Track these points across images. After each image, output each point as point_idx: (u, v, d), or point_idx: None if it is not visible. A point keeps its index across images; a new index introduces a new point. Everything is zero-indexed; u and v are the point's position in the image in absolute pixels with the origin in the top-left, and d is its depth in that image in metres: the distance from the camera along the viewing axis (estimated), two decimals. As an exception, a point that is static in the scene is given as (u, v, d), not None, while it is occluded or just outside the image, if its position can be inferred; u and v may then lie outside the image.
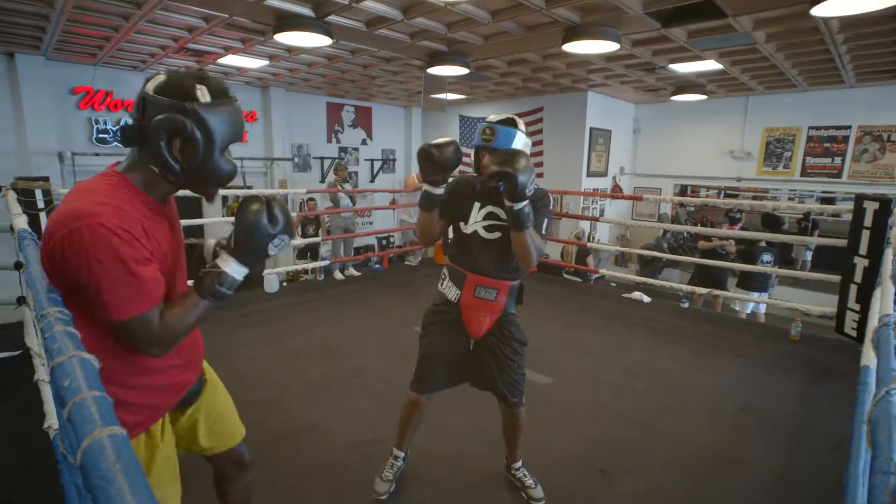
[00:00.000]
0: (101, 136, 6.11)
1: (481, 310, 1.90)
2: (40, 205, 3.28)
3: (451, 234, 1.99)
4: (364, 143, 9.17)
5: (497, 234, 1.83)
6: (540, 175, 7.92)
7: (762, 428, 2.72)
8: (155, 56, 5.52)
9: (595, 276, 6.18)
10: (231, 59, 5.54)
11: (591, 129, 7.45)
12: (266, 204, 1.08)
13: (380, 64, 5.81)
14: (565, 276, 6.27)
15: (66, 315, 0.85)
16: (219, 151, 1.05)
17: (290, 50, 5.21)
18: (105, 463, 0.43)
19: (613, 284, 6.35)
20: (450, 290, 1.95)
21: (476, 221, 1.84)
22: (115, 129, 6.18)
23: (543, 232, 1.81)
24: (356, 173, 9.01)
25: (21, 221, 2.01)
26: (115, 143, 6.18)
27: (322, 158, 8.42)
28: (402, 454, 2.14)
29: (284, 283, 5.70)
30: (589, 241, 7.01)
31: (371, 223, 9.11)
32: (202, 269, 1.10)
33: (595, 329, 4.25)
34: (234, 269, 1.07)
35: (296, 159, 8.08)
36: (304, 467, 2.28)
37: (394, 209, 8.00)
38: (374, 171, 9.32)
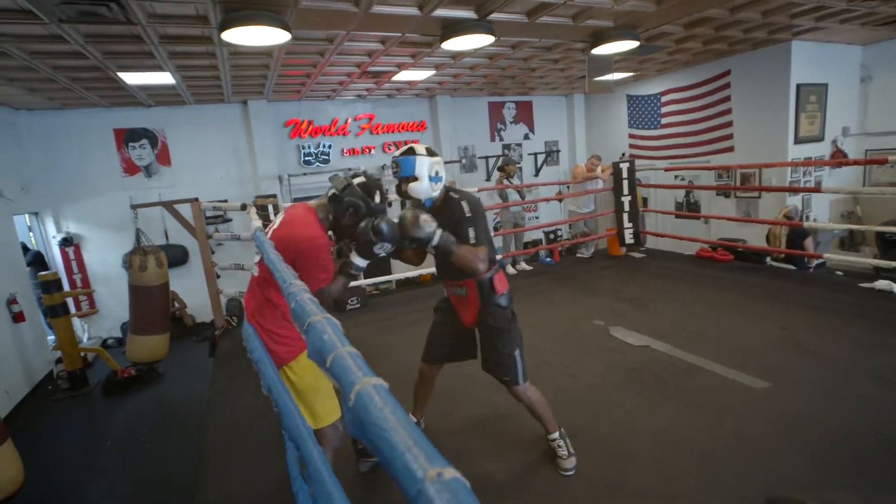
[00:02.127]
0: (306, 159, 7.28)
1: (461, 303, 2.26)
2: (271, 217, 4.03)
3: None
4: (526, 137, 9.15)
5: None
6: (730, 149, 6.86)
7: None
8: (343, 83, 6.34)
9: (816, 261, 5.09)
10: (403, 75, 6.05)
11: (799, 86, 6.16)
12: (373, 221, 1.80)
13: (540, 54, 5.71)
14: (771, 262, 5.31)
15: (306, 288, 1.00)
16: (367, 224, 1.82)
17: (455, 56, 5.46)
18: (376, 409, 0.46)
19: (839, 273, 5.14)
20: (443, 290, 2.38)
21: (430, 245, 1.99)
22: (315, 151, 7.30)
23: (473, 241, 2.05)
24: (520, 169, 9.04)
25: (258, 223, 2.51)
26: (317, 164, 7.30)
27: (486, 157, 8.66)
28: (413, 420, 2.38)
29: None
30: (803, 221, 5.80)
31: (537, 217, 9.04)
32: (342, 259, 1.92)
33: (823, 326, 3.48)
34: (357, 261, 1.87)
35: (462, 161, 8.46)
36: (496, 453, 2.35)
37: (560, 200, 7.79)
38: (538, 165, 9.23)
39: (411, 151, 2.06)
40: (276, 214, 4.07)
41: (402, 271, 6.54)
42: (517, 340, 2.19)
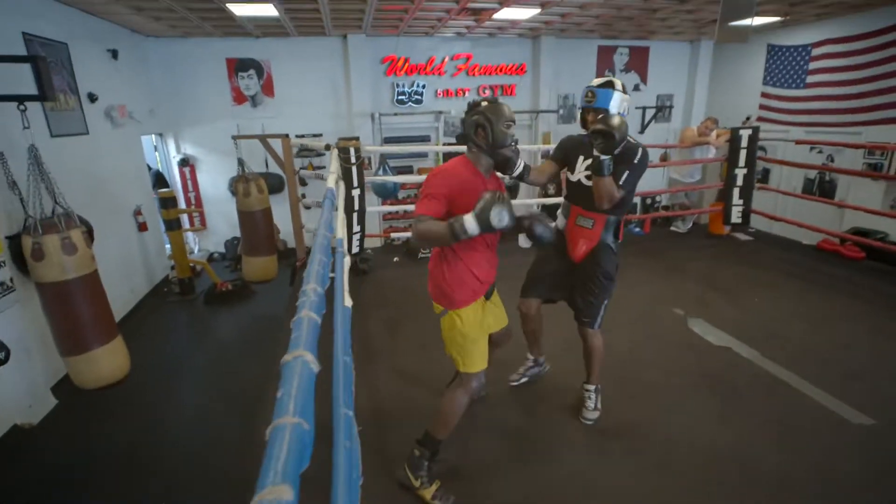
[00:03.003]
0: (399, 98, 7.21)
1: (580, 235, 2.35)
2: (353, 159, 4.08)
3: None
4: (637, 88, 8.23)
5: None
6: (892, 121, 5.63)
7: None
8: (441, 20, 6.04)
9: (976, 274, 4.17)
10: (504, 13, 5.61)
11: None
12: (495, 201, 1.72)
13: (665, -7, 4.94)
14: (915, 268, 4.44)
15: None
16: (498, 128, 1.85)
17: (563, -7, 4.91)
18: None
19: None
20: (560, 221, 2.43)
21: (580, 171, 2.34)
22: (409, 90, 7.19)
23: (621, 182, 2.21)
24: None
25: (331, 181, 2.53)
26: (410, 104, 7.22)
27: (587, 109, 7.98)
28: (531, 358, 2.74)
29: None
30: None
31: (634, 179, 8.31)
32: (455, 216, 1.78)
33: (964, 358, 2.88)
34: (470, 223, 1.74)
35: (561, 111, 7.89)
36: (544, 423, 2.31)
37: (663, 167, 7.05)
38: (646, 121, 8.34)
39: (610, 84, 2.24)
40: (356, 157, 4.12)
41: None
42: (611, 289, 2.37)
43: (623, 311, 3.61)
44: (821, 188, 6.48)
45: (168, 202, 5.18)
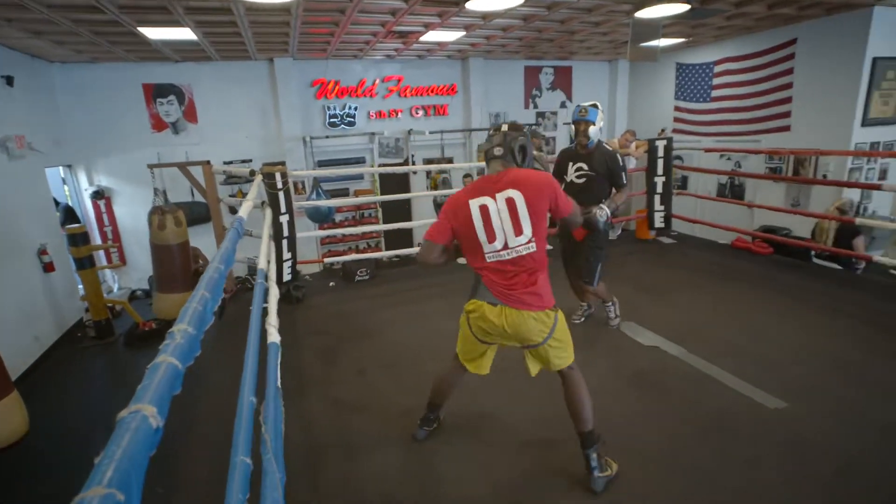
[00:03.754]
0: (331, 120, 7.13)
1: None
2: (279, 184, 3.95)
3: None
4: (563, 105, 8.64)
5: (583, 180, 3.13)
6: (786, 129, 6.23)
7: None
8: (369, 43, 6.07)
9: (863, 263, 4.62)
10: (431, 36, 5.72)
11: (875, 59, 5.44)
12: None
13: (579, 16, 5.24)
14: (815, 260, 4.87)
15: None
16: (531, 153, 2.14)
17: (485, 16, 5.08)
18: None
19: (894, 271, 4.65)
20: None
21: (571, 174, 3.17)
22: (341, 113, 7.12)
23: (624, 182, 3.08)
24: (553, 139, 8.60)
25: (244, 210, 2.42)
26: (342, 126, 7.14)
27: (518, 126, 8.25)
28: (583, 305, 3.66)
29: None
30: (858, 214, 5.26)
31: (567, 191, 8.65)
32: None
33: (865, 338, 3.16)
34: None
35: (491, 130, 8.09)
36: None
37: (591, 177, 7.37)
38: (573, 136, 8.73)
39: (596, 106, 3.03)
40: (283, 182, 3.99)
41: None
42: (602, 257, 3.14)
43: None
44: (732, 192, 7.04)
45: (78, 238, 4.77)
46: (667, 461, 2.11)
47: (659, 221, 5.43)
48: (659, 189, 5.36)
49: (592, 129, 2.99)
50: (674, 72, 7.76)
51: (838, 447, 2.15)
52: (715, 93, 7.13)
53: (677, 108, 7.80)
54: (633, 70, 8.66)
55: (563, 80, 8.52)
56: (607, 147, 3.09)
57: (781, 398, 2.50)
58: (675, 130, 7.61)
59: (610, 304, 3.45)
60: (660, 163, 5.31)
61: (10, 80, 4.64)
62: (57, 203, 5.70)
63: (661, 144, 5.29)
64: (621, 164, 3.03)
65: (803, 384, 2.63)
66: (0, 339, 2.82)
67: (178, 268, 4.78)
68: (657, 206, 5.40)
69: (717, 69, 7.03)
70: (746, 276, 4.45)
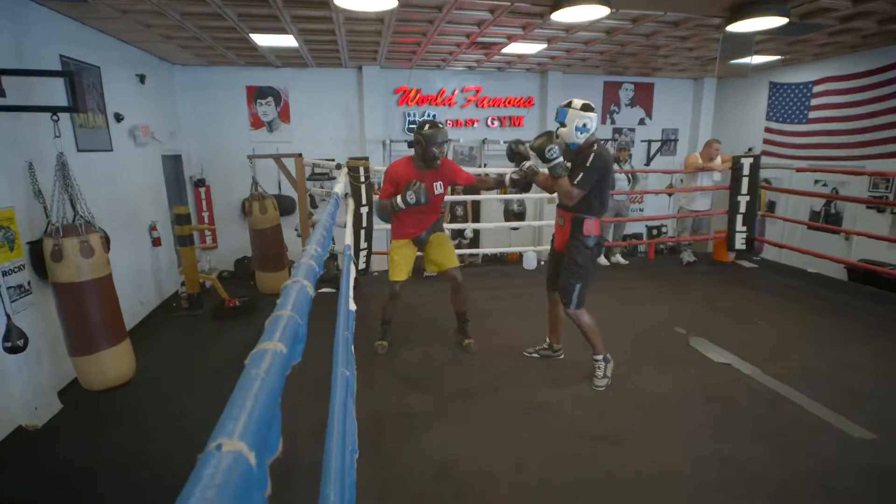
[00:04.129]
0: (410, 126, 7.46)
1: (559, 231, 2.90)
2: (362, 178, 4.23)
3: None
4: (642, 122, 8.45)
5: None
6: (893, 155, 5.69)
7: None
8: (453, 53, 6.33)
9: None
10: (513, 48, 5.87)
11: None
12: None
13: (665, 30, 5.16)
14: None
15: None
16: (429, 147, 3.19)
17: (568, 29, 5.15)
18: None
19: None
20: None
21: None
22: (419, 120, 7.45)
23: (575, 182, 2.71)
24: (630, 156, 8.41)
25: (338, 188, 2.68)
26: (420, 132, 7.47)
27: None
28: (548, 342, 3.23)
29: (542, 262, 5.83)
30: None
31: (642, 209, 8.40)
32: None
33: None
34: (398, 201, 3.26)
35: (566, 142, 8.08)
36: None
37: (669, 193, 7.14)
38: (651, 154, 8.50)
39: (568, 104, 2.81)
40: (365, 176, 4.28)
41: (491, 246, 6.55)
42: (583, 276, 2.76)
43: (626, 326, 3.62)
44: (827, 218, 6.51)
45: (182, 219, 5.35)
46: (739, 474, 2.04)
47: (739, 243, 5.16)
48: (742, 209, 5.11)
49: (563, 131, 2.72)
50: (766, 91, 7.35)
51: (934, 486, 1.97)
52: (813, 114, 6.67)
53: (768, 130, 7.37)
54: (720, 89, 8.31)
55: (643, 97, 8.34)
56: (594, 150, 2.71)
57: (869, 429, 2.32)
58: (764, 153, 7.20)
59: (601, 359, 2.80)
60: (745, 181, 5.06)
61: (143, 79, 5.35)
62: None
63: (746, 162, 5.06)
64: (589, 165, 2.64)
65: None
66: (118, 297, 3.21)
67: (274, 249, 5.23)
68: (739, 226, 5.14)
69: (817, 89, 6.59)
70: (838, 305, 4.12)
